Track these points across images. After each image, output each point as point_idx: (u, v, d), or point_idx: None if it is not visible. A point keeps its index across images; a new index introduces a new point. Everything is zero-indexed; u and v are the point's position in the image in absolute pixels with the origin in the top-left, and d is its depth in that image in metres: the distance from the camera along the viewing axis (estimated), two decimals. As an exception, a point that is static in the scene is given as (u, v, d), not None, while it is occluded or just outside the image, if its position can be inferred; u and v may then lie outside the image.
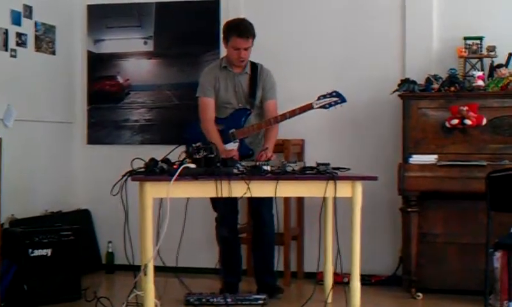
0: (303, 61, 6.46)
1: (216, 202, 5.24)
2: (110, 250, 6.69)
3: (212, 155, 4.75)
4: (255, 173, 4.79)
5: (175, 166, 4.70)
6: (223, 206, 5.33)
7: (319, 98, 5.41)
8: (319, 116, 5.85)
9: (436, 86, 5.85)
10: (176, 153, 5.01)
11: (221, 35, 5.69)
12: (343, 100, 5.42)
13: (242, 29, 5.46)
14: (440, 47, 6.20)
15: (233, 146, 5.44)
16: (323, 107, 5.41)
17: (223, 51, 6.26)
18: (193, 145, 4.78)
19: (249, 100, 5.55)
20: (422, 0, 6.23)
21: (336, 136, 6.39)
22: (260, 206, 5.56)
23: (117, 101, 6.92)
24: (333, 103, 5.42)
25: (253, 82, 5.56)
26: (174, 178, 4.59)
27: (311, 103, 5.41)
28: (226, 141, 5.46)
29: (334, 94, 5.41)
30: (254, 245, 5.79)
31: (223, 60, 5.66)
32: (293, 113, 5.44)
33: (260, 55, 5.69)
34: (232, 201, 5.36)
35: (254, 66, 5.60)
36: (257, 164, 4.94)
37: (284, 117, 5.46)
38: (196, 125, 5.59)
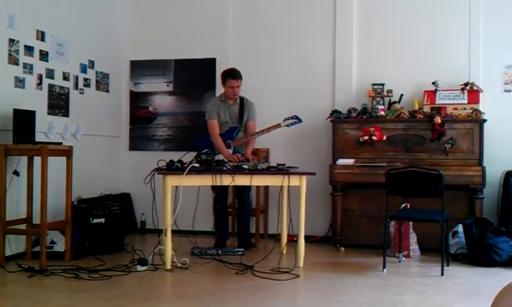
0: (270, 97, 6.42)
1: (214, 188, 5.28)
2: (143, 219, 6.64)
3: (210, 159, 4.78)
4: (238, 170, 4.79)
5: (185, 165, 4.70)
6: (219, 191, 5.37)
7: (284, 120, 5.45)
8: (279, 133, 5.87)
9: (354, 114, 5.88)
10: (187, 157, 5.02)
11: (219, 80, 5.67)
12: (300, 120, 5.46)
13: (234, 74, 5.48)
14: (357, 89, 6.21)
15: (230, 151, 5.43)
16: (287, 125, 5.43)
17: (218, 91, 6.29)
18: (203, 151, 4.83)
19: (239, 121, 5.55)
20: (345, 61, 6.25)
21: (290, 146, 6.37)
22: (242, 191, 5.56)
23: (148, 122, 6.87)
24: (293, 123, 5.44)
25: (242, 109, 5.55)
26: (185, 172, 4.59)
27: (279, 123, 5.43)
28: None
29: (294, 117, 5.45)
30: (238, 215, 5.77)
31: (222, 96, 5.62)
32: (268, 129, 5.46)
33: (244, 92, 5.67)
34: (224, 189, 5.40)
35: (241, 99, 5.60)
36: (239, 164, 4.94)
37: (263, 132, 5.47)
38: (204, 138, 5.58)
